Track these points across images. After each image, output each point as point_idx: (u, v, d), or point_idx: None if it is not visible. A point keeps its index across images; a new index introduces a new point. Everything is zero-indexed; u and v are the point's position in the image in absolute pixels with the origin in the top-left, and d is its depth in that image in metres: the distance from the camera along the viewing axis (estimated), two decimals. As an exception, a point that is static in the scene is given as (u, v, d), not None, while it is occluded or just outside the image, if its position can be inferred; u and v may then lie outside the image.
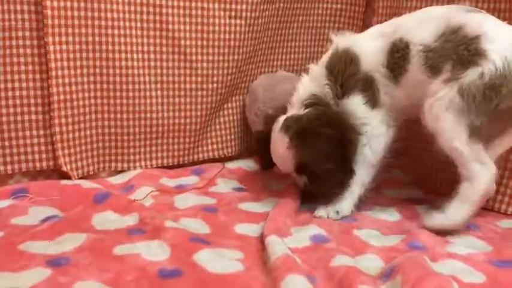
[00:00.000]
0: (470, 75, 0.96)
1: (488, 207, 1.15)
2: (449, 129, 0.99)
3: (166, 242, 0.91)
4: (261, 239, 0.94)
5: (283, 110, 1.17)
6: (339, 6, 1.51)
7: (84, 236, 0.92)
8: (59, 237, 0.92)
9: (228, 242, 0.95)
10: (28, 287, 0.75)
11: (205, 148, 1.41)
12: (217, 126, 1.43)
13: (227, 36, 1.33)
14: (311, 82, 1.14)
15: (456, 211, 1.00)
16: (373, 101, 1.09)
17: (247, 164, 1.44)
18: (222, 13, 1.30)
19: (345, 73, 1.10)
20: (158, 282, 0.79)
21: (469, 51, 0.98)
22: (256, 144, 1.25)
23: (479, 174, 0.99)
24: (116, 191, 1.18)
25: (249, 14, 1.33)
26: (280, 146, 1.09)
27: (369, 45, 1.10)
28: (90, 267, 0.82)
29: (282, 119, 1.12)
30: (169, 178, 1.30)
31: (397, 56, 1.05)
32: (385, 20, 1.15)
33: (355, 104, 1.09)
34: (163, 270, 0.82)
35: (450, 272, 0.83)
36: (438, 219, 1.01)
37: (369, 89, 1.09)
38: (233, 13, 1.31)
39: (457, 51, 0.99)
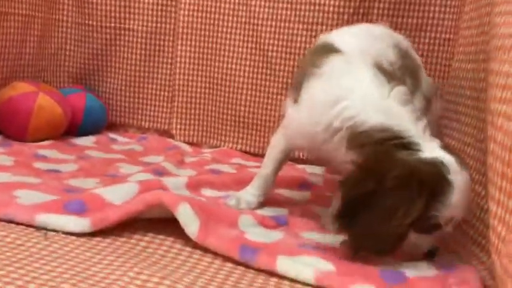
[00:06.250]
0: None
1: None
2: None
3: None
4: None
5: (399, 146, 0.85)
6: None
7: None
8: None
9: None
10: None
11: (283, 146, 1.64)
12: (298, 130, 1.63)
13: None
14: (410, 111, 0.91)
15: None
16: None
17: (312, 170, 1.57)
18: (305, 32, 1.54)
19: None
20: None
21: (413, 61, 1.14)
22: (348, 209, 0.84)
23: None
24: (188, 151, 1.62)
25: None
26: (468, 188, 0.86)
27: None
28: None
29: (447, 157, 0.84)
30: (239, 158, 1.61)
31: None
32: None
33: None
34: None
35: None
36: None
37: None
38: (314, 33, 1.52)
39: (408, 66, 1.08)
